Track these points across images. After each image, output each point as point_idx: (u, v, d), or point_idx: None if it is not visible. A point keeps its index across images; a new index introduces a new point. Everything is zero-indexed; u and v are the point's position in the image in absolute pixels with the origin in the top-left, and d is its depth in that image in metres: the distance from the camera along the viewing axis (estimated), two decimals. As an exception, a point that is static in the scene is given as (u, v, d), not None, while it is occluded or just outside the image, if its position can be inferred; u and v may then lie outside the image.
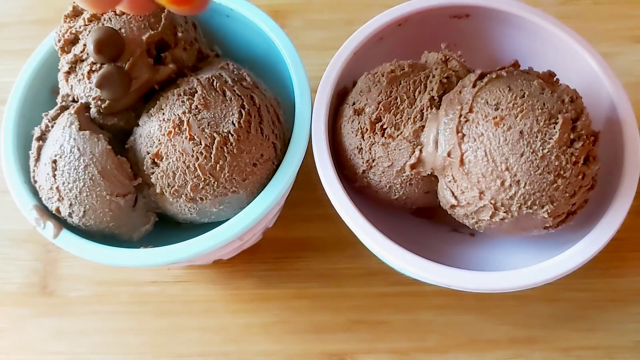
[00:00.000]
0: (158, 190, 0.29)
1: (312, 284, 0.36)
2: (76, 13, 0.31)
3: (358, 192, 0.33)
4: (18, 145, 0.32)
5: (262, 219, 0.30)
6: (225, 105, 0.29)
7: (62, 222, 0.30)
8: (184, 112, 0.29)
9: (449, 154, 0.28)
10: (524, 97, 0.27)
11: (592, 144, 0.28)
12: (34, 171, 0.31)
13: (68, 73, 0.31)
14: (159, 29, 0.30)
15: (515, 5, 0.34)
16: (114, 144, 0.30)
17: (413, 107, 0.30)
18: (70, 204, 0.29)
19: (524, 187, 0.27)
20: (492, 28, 0.35)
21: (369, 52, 0.34)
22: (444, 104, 0.29)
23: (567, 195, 0.27)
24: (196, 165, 0.28)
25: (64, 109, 0.31)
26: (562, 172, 0.27)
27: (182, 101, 0.29)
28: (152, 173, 0.29)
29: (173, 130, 0.28)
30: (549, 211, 0.27)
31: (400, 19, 0.34)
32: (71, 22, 0.31)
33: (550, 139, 0.26)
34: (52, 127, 0.31)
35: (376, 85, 0.31)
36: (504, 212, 0.27)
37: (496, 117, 0.27)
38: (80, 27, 0.30)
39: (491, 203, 0.27)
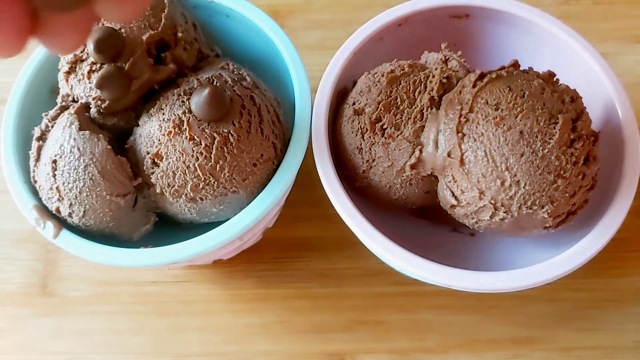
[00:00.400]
0: (158, 190, 0.29)
1: (312, 284, 0.36)
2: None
3: (358, 192, 0.33)
4: (18, 145, 0.32)
5: (262, 219, 0.30)
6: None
7: (62, 222, 0.30)
8: (184, 112, 0.29)
9: (449, 154, 0.28)
10: (524, 97, 0.27)
11: (592, 144, 0.28)
12: (34, 171, 0.31)
13: (68, 73, 0.31)
14: (159, 29, 0.30)
15: (515, 5, 0.34)
16: (114, 144, 0.30)
17: (413, 107, 0.30)
18: (70, 204, 0.29)
19: (524, 187, 0.27)
20: (492, 28, 0.35)
21: (369, 52, 0.34)
22: (444, 104, 0.29)
23: (567, 195, 0.27)
24: (196, 165, 0.28)
25: (64, 109, 0.31)
26: (562, 172, 0.27)
27: (182, 101, 0.29)
28: (152, 173, 0.29)
29: (173, 130, 0.28)
30: (549, 211, 0.27)
31: (400, 19, 0.34)
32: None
33: (550, 139, 0.26)
34: (52, 127, 0.31)
35: (376, 85, 0.31)
36: (504, 212, 0.27)
37: (496, 117, 0.27)
38: (80, 27, 0.30)
39: (491, 203, 0.27)
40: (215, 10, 0.35)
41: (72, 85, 0.31)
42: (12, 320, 0.36)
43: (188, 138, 0.28)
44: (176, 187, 0.29)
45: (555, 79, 0.29)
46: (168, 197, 0.29)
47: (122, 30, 0.30)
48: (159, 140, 0.29)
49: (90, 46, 0.29)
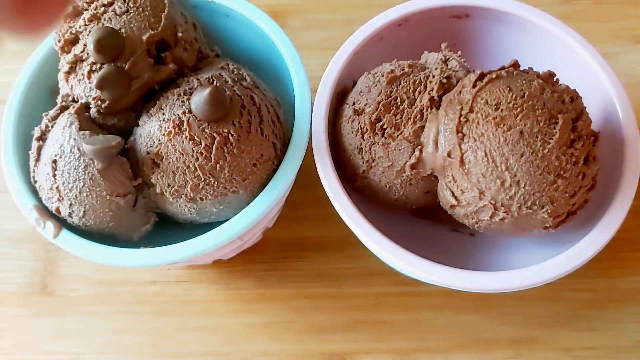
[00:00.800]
0: (158, 190, 0.29)
1: (312, 284, 0.36)
2: (76, 13, 0.31)
3: (358, 192, 0.33)
4: (18, 145, 0.32)
5: (262, 219, 0.30)
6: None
7: (62, 222, 0.30)
8: (184, 112, 0.29)
9: (449, 154, 0.28)
10: (524, 97, 0.27)
11: (592, 144, 0.28)
12: (34, 171, 0.31)
13: (68, 73, 0.31)
14: (159, 28, 0.30)
15: (515, 5, 0.34)
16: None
17: (413, 107, 0.30)
18: (70, 204, 0.29)
19: (524, 187, 0.27)
20: (492, 28, 0.35)
21: (369, 52, 0.34)
22: (444, 104, 0.29)
23: (567, 195, 0.27)
24: (196, 165, 0.28)
25: (64, 109, 0.31)
26: (562, 173, 0.27)
27: (182, 101, 0.29)
28: (152, 173, 0.29)
29: (173, 130, 0.28)
30: (549, 211, 0.27)
31: (400, 19, 0.34)
32: (71, 22, 0.31)
33: (550, 139, 0.26)
34: (52, 127, 0.31)
35: (376, 85, 0.31)
36: (504, 212, 0.27)
37: (496, 117, 0.27)
38: (80, 27, 0.30)
39: (491, 203, 0.27)
40: (215, 10, 0.35)
41: (72, 85, 0.31)
42: (12, 320, 0.36)
43: (188, 138, 0.28)
44: (176, 187, 0.29)
45: (555, 79, 0.29)
46: (168, 197, 0.29)
47: (122, 30, 0.30)
48: (159, 140, 0.29)
49: (90, 46, 0.29)
